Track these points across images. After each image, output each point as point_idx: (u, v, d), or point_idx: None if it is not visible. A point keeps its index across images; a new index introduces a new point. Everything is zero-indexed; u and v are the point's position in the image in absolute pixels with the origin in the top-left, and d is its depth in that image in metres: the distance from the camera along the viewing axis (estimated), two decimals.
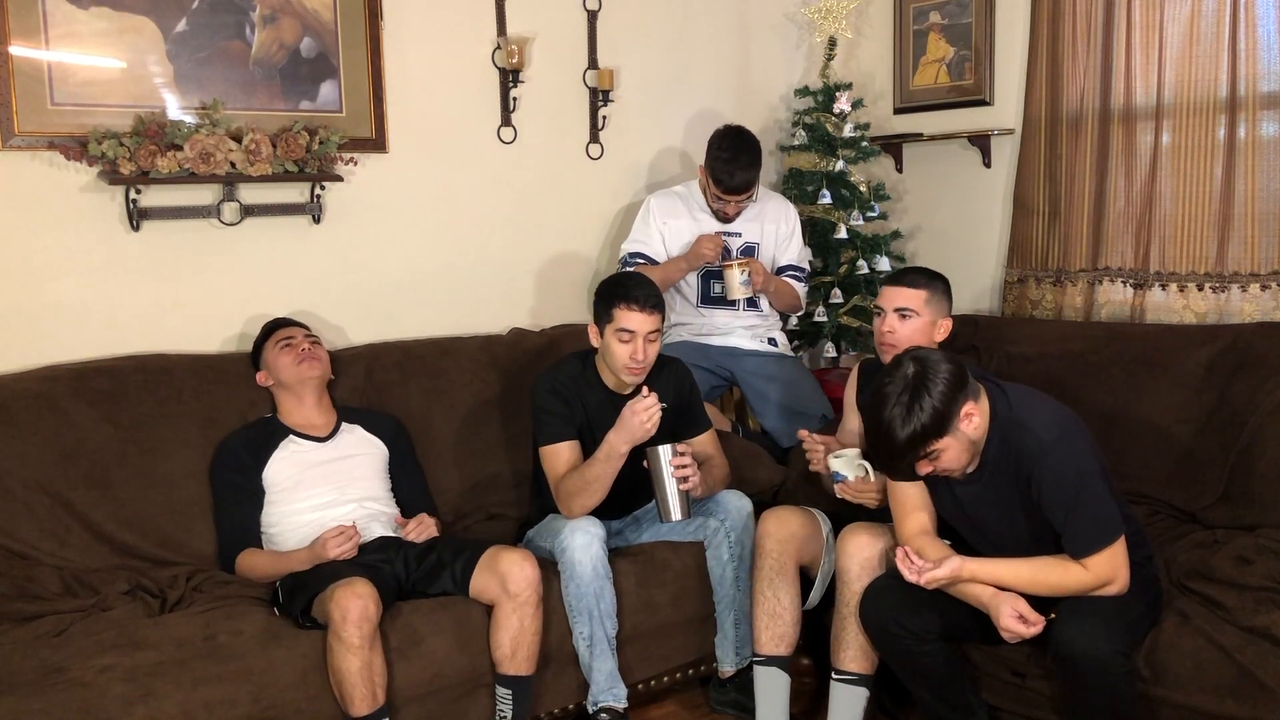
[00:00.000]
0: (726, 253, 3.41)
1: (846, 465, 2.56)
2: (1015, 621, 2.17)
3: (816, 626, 2.89)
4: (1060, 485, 2.16)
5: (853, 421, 2.82)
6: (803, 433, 2.73)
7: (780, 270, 3.55)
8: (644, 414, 2.54)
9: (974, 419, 2.17)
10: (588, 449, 2.71)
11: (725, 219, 3.43)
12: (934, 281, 2.66)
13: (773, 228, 3.52)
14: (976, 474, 2.26)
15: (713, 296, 3.51)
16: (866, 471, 2.54)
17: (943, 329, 2.66)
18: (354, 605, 2.27)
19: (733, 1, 3.98)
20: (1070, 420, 2.24)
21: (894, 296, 2.63)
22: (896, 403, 2.11)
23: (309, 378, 2.81)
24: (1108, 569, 2.16)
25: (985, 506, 2.29)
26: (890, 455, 2.15)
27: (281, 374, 2.80)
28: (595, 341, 2.75)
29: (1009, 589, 2.21)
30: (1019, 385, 2.34)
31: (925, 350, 2.21)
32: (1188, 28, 3.13)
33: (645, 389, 2.60)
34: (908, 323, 2.60)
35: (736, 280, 3.29)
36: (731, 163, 3.30)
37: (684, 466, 2.58)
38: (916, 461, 2.15)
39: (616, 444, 2.58)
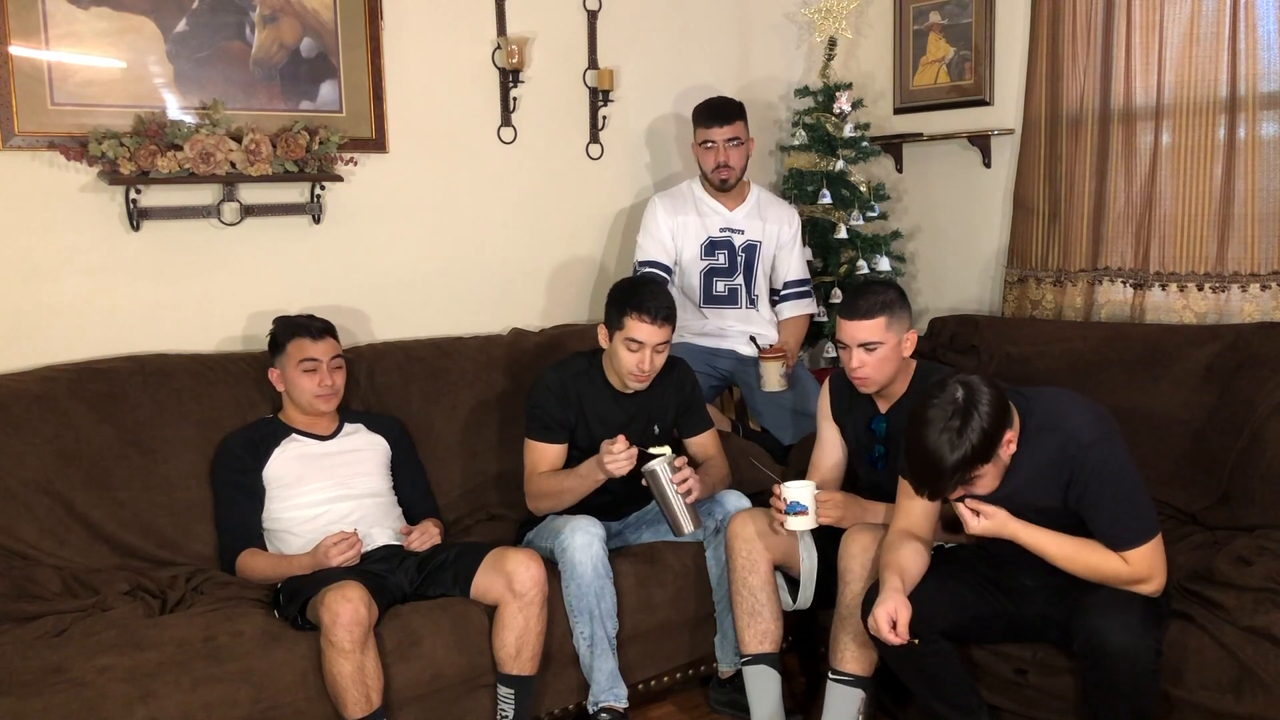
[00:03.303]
0: (754, 342, 3.51)
1: (804, 493, 2.53)
2: (886, 622, 2.19)
3: (800, 626, 2.89)
4: (1102, 481, 2.17)
5: (829, 436, 2.80)
6: (776, 488, 2.61)
7: (786, 286, 3.60)
8: (610, 464, 2.55)
9: (1011, 445, 2.17)
10: (578, 445, 2.75)
11: (723, 178, 3.43)
12: (888, 299, 2.54)
13: (774, 228, 3.54)
14: (1000, 487, 2.25)
15: (715, 295, 3.51)
16: (816, 508, 2.54)
17: (909, 342, 2.59)
18: (344, 609, 2.26)
19: (733, 1, 3.98)
20: (1105, 418, 2.24)
21: (854, 332, 2.52)
22: (945, 427, 2.08)
23: (323, 411, 2.79)
24: (1147, 565, 2.17)
25: (1001, 501, 2.28)
26: (937, 479, 2.12)
27: (297, 395, 2.76)
28: (604, 343, 2.76)
29: (1047, 558, 2.22)
30: (1044, 390, 2.32)
31: (967, 375, 2.19)
32: (1188, 28, 3.13)
33: (621, 437, 2.59)
34: (874, 354, 2.52)
35: (776, 374, 3.33)
36: (710, 101, 3.49)
37: (684, 480, 2.59)
38: (954, 488, 2.14)
39: (594, 469, 2.62)
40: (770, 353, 3.35)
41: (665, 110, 3.86)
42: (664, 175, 3.85)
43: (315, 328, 2.79)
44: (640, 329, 2.64)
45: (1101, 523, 2.19)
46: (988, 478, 2.16)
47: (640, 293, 2.68)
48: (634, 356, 2.67)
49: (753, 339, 3.47)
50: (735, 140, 3.42)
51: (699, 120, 3.46)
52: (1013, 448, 2.17)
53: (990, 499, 2.25)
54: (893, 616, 2.20)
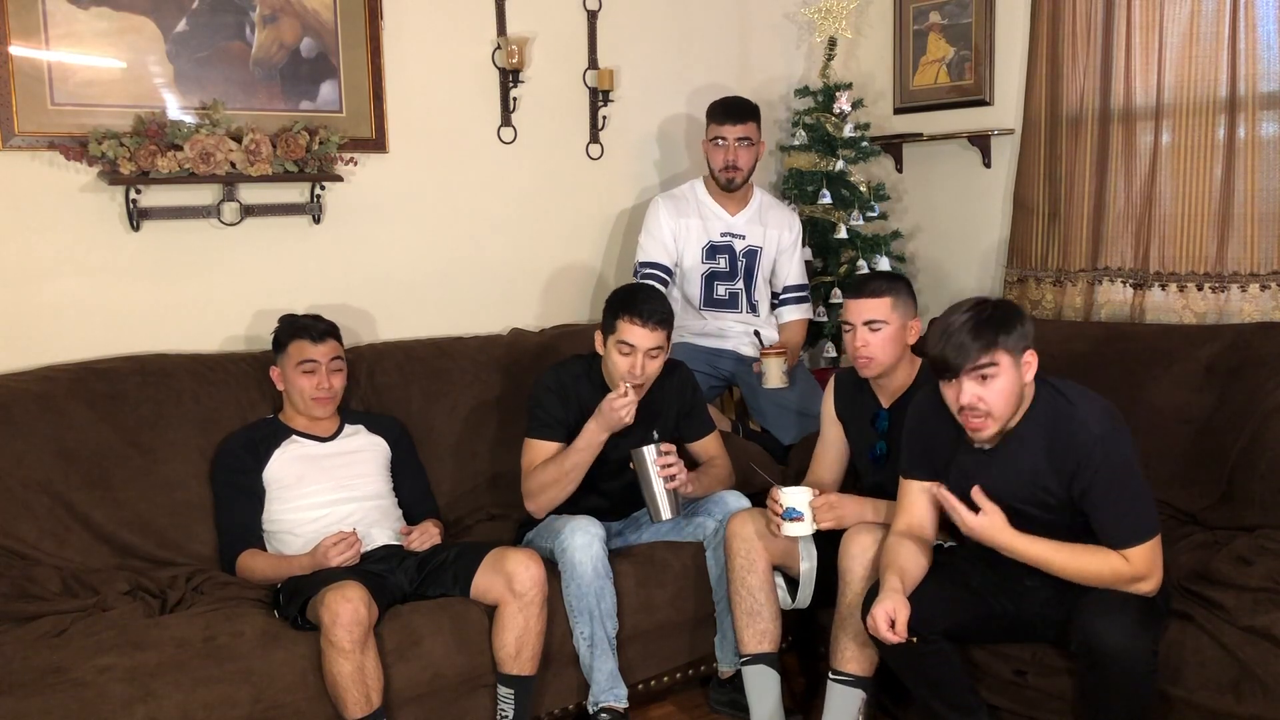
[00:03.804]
0: (738, 275, 3.49)
1: (800, 499, 2.52)
2: (884, 621, 2.20)
3: (804, 626, 2.89)
4: (1110, 477, 2.18)
5: (832, 434, 2.81)
6: (774, 490, 2.61)
7: (786, 291, 3.60)
8: (621, 410, 2.59)
9: (1031, 368, 2.21)
10: None
11: (730, 177, 3.41)
12: (895, 285, 2.63)
13: (775, 233, 3.54)
14: (998, 450, 2.27)
15: (716, 298, 3.51)
16: (813, 514, 2.53)
17: (913, 331, 2.63)
18: (344, 609, 2.26)
19: (733, 1, 3.98)
20: (1118, 414, 2.25)
21: (860, 309, 2.59)
22: (978, 306, 2.20)
23: (319, 414, 2.79)
24: (1147, 563, 2.17)
25: (1002, 486, 2.29)
26: (961, 347, 2.16)
27: (295, 395, 2.77)
28: (599, 349, 2.76)
29: (1045, 566, 2.22)
30: (1064, 380, 2.33)
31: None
32: (1188, 28, 3.13)
33: (623, 386, 2.63)
34: (879, 334, 2.57)
35: (778, 370, 3.31)
36: (726, 99, 3.49)
37: (669, 465, 2.59)
38: (971, 367, 2.16)
39: (596, 431, 2.63)
40: (772, 350, 3.35)
41: (666, 110, 3.86)
42: (665, 176, 3.85)
43: (317, 329, 2.79)
44: (632, 332, 2.65)
45: (1106, 518, 2.20)
46: (1002, 380, 2.17)
47: (634, 297, 2.70)
48: (626, 360, 2.67)
49: (756, 334, 3.47)
50: (746, 140, 3.41)
51: (713, 116, 3.45)
52: (1030, 372, 2.20)
53: (1000, 481, 2.25)
54: (891, 616, 2.21)
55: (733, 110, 3.42)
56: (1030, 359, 2.20)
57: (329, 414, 2.81)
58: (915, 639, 2.23)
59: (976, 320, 2.18)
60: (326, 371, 2.76)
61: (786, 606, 2.70)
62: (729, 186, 3.45)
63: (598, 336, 2.77)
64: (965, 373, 2.18)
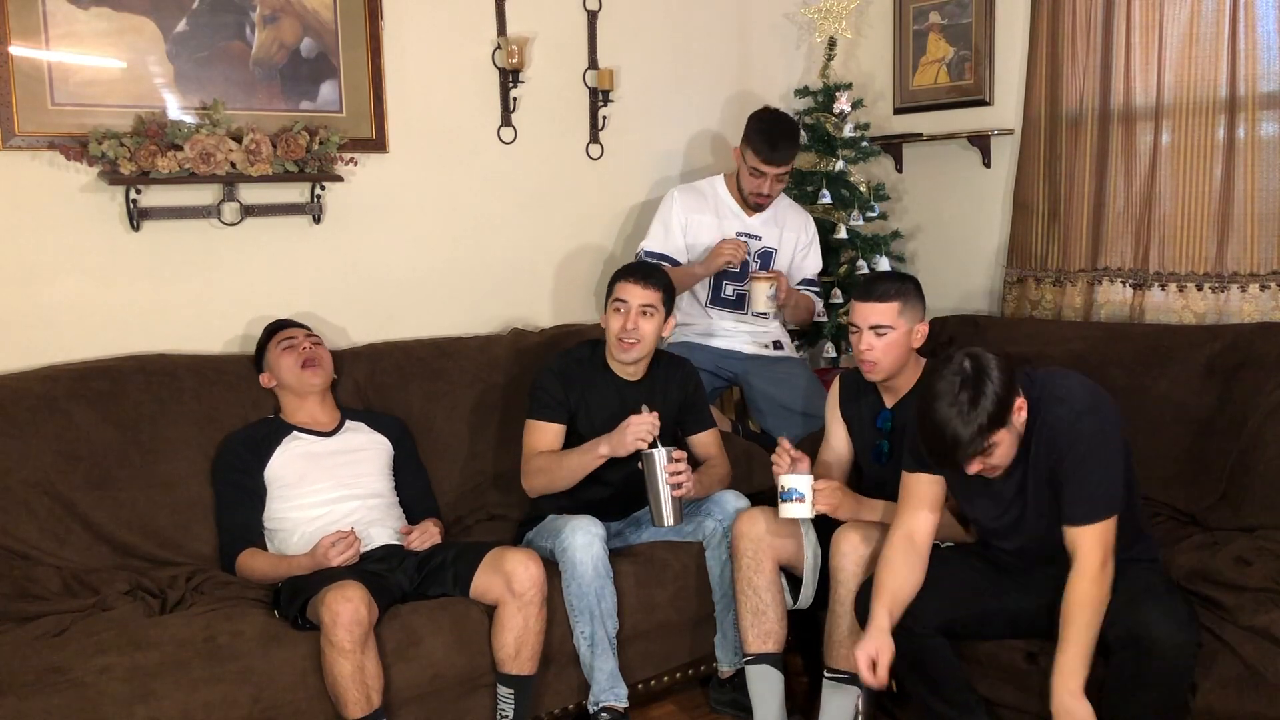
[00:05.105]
0: (745, 265, 3.40)
1: (801, 481, 2.51)
2: (865, 663, 2.22)
3: (805, 626, 2.89)
4: (1079, 443, 2.15)
5: (836, 433, 2.81)
6: (783, 439, 2.62)
7: (799, 284, 3.57)
8: (635, 429, 2.58)
9: (1023, 412, 2.16)
10: (578, 430, 2.78)
11: (759, 203, 3.40)
12: (904, 287, 2.60)
13: (791, 236, 3.52)
14: (1011, 467, 2.25)
15: (723, 298, 3.50)
16: (813, 497, 2.52)
17: (920, 334, 2.61)
18: (344, 609, 2.27)
19: (732, 1, 3.98)
20: (1102, 395, 2.23)
21: (867, 314, 2.56)
22: (956, 400, 2.08)
23: (312, 383, 2.81)
24: (1098, 548, 2.13)
25: (1017, 498, 2.28)
26: (954, 449, 2.10)
27: (284, 375, 2.81)
28: (604, 323, 2.81)
29: (1087, 651, 2.14)
30: (1048, 369, 2.32)
31: (971, 348, 2.18)
32: (1187, 28, 3.13)
33: (646, 407, 2.64)
34: (885, 339, 2.55)
35: (764, 294, 3.29)
36: (773, 132, 3.33)
37: (678, 473, 2.59)
38: (973, 457, 2.11)
39: (600, 448, 2.64)
40: (761, 274, 3.31)
41: (666, 110, 3.86)
42: (665, 176, 3.85)
43: (291, 322, 2.95)
44: (625, 289, 2.74)
45: (1069, 492, 2.16)
46: (1004, 446, 2.14)
47: (633, 264, 2.82)
48: (619, 318, 2.72)
49: (749, 266, 3.37)
50: (785, 175, 3.39)
51: (756, 144, 3.31)
52: (1024, 414, 2.16)
53: (1003, 488, 2.25)
54: (873, 657, 2.21)
55: (779, 147, 3.30)
56: (1020, 405, 2.14)
57: (322, 384, 2.84)
58: (894, 686, 2.22)
59: (964, 420, 2.08)
60: (306, 340, 2.85)
61: (789, 607, 2.70)
62: (756, 209, 3.44)
63: (603, 319, 2.82)
64: (968, 462, 2.13)
